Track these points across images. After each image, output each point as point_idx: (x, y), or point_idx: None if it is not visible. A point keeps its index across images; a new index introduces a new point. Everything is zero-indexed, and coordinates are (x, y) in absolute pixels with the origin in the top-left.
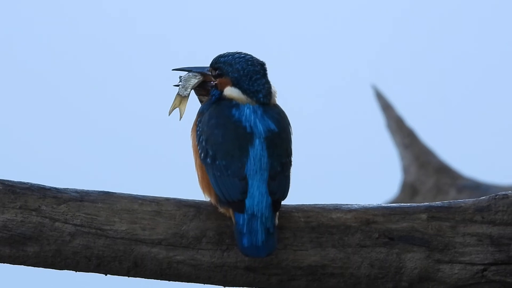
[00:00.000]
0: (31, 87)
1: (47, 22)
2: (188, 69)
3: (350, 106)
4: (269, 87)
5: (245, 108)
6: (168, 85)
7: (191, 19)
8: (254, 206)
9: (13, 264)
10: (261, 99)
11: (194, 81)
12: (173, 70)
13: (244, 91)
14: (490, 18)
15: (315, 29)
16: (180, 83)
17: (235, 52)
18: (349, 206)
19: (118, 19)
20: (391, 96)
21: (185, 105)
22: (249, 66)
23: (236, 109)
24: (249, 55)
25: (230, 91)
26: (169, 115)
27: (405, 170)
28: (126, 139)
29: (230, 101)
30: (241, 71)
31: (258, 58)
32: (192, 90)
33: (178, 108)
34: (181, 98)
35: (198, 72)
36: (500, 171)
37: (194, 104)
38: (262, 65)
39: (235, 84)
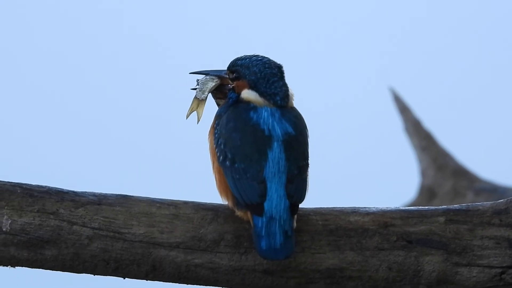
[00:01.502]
0: (49, 91)
1: (46, 23)
2: (205, 73)
3: (368, 109)
4: (286, 89)
5: (263, 111)
6: (184, 87)
7: (201, 23)
8: (273, 209)
9: (31, 268)
10: (279, 101)
11: (212, 84)
12: (190, 73)
13: (261, 93)
14: (508, 18)
15: (330, 31)
16: (197, 86)
17: (252, 55)
18: (367, 209)
19: (121, 20)
20: (409, 98)
21: (203, 108)
22: (266, 69)
23: (254, 112)
24: (266, 58)
25: (247, 94)
26: (186, 118)
27: (423, 173)
28: (144, 142)
29: (248, 103)
30: (258, 74)
31: (275, 61)
32: (210, 94)
33: (195, 111)
34: (199, 101)
35: (215, 75)
36: None
37: (211, 107)
38: (279, 68)
39: (252, 87)
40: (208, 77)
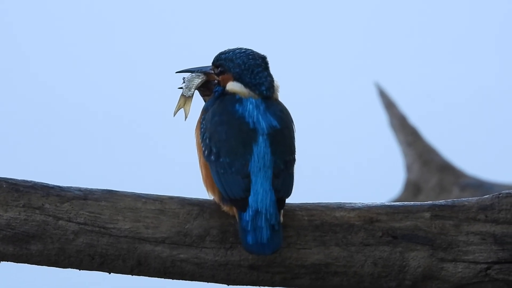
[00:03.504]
0: (34, 86)
1: (48, 21)
2: (191, 70)
3: (353, 104)
4: (271, 80)
5: (248, 103)
6: (171, 83)
7: (193, 20)
8: (258, 202)
9: (17, 262)
10: (264, 92)
11: (198, 81)
12: (176, 72)
13: (246, 84)
14: (493, 16)
15: (317, 27)
16: (183, 84)
17: (235, 48)
18: (352, 204)
19: (120, 20)
20: (394, 94)
21: (190, 105)
22: (250, 60)
23: (240, 105)
24: (250, 49)
25: (232, 86)
26: (174, 116)
27: (408, 168)
28: (129, 137)
29: (234, 95)
30: (242, 66)
31: (259, 52)
32: (197, 91)
33: (183, 108)
34: (185, 99)
35: (201, 72)
36: (503, 169)
37: (199, 105)
38: (263, 59)
39: (237, 79)
40: (194, 74)
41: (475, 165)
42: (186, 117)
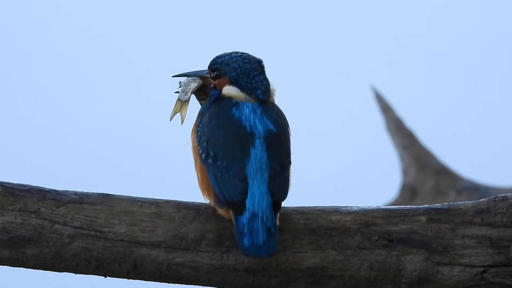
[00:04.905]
0: (31, 90)
1: (47, 21)
2: (187, 74)
3: (350, 107)
4: (268, 84)
5: (245, 107)
6: (167, 87)
7: (189, 24)
8: (255, 205)
9: (13, 266)
10: (260, 95)
11: (194, 85)
12: (172, 77)
13: (242, 88)
14: (491, 18)
15: (314, 29)
16: (180, 88)
17: (231, 52)
18: (348, 208)
19: (116, 24)
20: (391, 97)
21: (186, 110)
22: (246, 64)
23: (236, 109)
24: (246, 53)
25: (229, 90)
26: (170, 120)
27: (405, 171)
28: (125, 141)
29: (230, 100)
30: (238, 70)
31: (255, 56)
32: (193, 95)
33: (179, 112)
34: (182, 103)
35: (197, 76)
36: (499, 173)
37: (195, 108)
38: (259, 63)
39: (233, 83)
40: (190, 78)
41: (471, 169)
42: (182, 121)
